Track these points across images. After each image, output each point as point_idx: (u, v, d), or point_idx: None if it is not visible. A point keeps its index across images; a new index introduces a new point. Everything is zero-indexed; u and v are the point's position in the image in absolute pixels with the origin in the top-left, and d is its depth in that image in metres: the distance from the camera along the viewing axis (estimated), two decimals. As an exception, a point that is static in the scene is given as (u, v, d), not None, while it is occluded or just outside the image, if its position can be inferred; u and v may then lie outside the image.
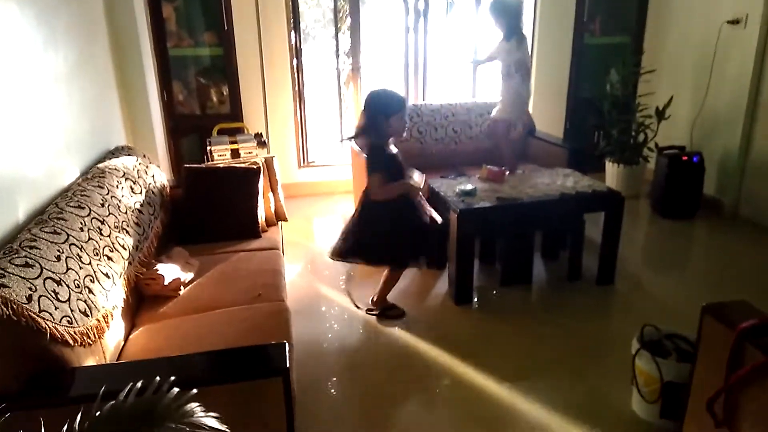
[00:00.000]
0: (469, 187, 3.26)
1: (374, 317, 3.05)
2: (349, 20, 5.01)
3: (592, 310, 3.10)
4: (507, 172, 3.61)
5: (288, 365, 1.57)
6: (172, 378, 1.30)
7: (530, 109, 4.98)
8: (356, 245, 2.92)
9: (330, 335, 2.90)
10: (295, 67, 4.80)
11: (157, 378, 1.31)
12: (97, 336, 1.80)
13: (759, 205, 4.22)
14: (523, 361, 2.66)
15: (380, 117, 2.83)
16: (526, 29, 5.21)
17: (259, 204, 3.03)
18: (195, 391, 1.30)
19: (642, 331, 2.23)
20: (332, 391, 2.47)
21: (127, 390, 1.28)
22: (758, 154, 4.20)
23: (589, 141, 5.29)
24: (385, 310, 3.06)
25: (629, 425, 2.22)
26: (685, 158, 4.36)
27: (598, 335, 2.87)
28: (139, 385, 1.29)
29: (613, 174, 4.87)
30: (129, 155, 2.96)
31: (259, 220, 3.03)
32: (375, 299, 3.09)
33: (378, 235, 2.89)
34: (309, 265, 3.77)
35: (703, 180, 4.40)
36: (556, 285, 3.42)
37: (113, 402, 1.24)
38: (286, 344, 1.65)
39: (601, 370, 2.56)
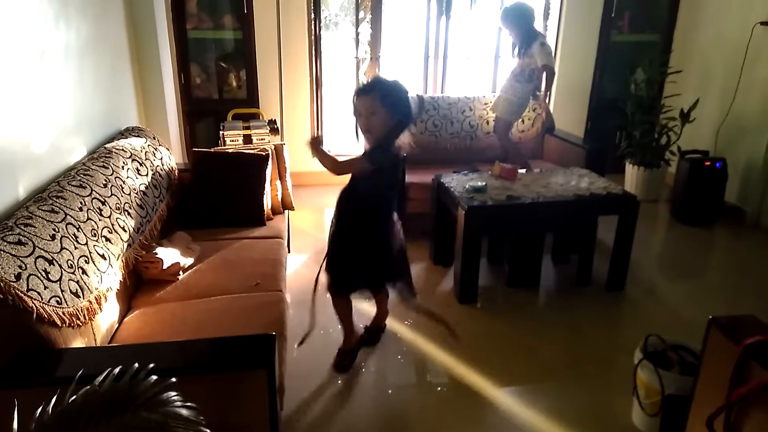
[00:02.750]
0: (479, 183, 3.19)
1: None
2: (370, 9, 4.95)
3: (600, 317, 3.02)
4: (522, 170, 3.54)
5: (273, 358, 1.54)
6: (151, 365, 1.29)
7: (551, 107, 4.91)
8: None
9: (330, 328, 2.87)
10: (313, 54, 4.77)
11: (136, 364, 1.29)
12: (87, 317, 1.79)
13: (783, 216, 4.07)
14: (524, 365, 2.60)
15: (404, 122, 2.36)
16: (552, 24, 5.12)
17: (265, 191, 3.01)
18: (174, 379, 1.29)
19: (646, 341, 2.16)
20: (326, 384, 2.45)
21: (103, 375, 1.27)
22: (785, 163, 4.05)
23: (610, 142, 5.16)
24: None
25: (628, 437, 2.16)
26: (707, 163, 4.23)
27: (604, 343, 2.80)
28: (117, 371, 1.28)
29: (632, 176, 4.75)
30: (138, 136, 2.96)
31: (265, 208, 3.01)
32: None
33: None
34: (315, 256, 3.74)
35: (725, 187, 4.26)
36: (564, 288, 3.35)
37: (87, 387, 1.23)
38: (274, 336, 1.62)
39: (604, 379, 2.50)
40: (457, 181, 3.33)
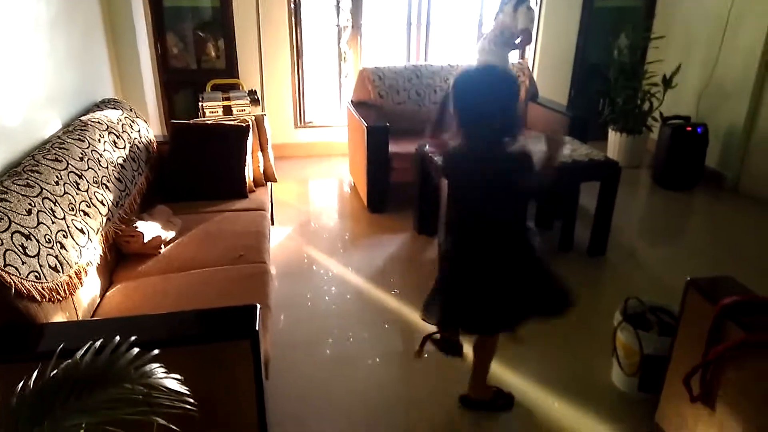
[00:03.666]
0: (462, 152, 3.18)
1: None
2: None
3: (581, 281, 3.06)
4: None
5: (257, 328, 1.55)
6: (133, 338, 1.28)
7: (534, 75, 4.88)
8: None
9: (318, 299, 2.88)
10: (293, 22, 4.67)
11: (117, 338, 1.29)
12: (68, 292, 1.77)
13: (760, 181, 4.13)
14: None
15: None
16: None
17: (247, 163, 2.97)
18: (156, 351, 1.28)
19: (625, 304, 2.19)
20: (313, 353, 2.47)
21: (84, 349, 1.26)
22: (764, 129, 4.09)
23: (593, 108, 5.16)
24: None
25: (607, 397, 2.21)
26: (689, 129, 4.26)
27: (585, 306, 2.83)
28: (98, 344, 1.28)
29: (615, 143, 4.77)
30: (115, 108, 2.89)
31: (247, 180, 2.98)
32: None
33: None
34: (300, 228, 3.73)
35: (705, 152, 4.30)
36: (547, 254, 3.37)
37: (68, 361, 1.22)
38: (257, 306, 1.62)
39: (584, 341, 2.54)
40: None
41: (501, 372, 2.34)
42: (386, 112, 4.18)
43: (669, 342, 1.90)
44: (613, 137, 4.79)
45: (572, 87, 5.33)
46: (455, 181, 1.92)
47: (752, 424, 1.54)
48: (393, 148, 3.75)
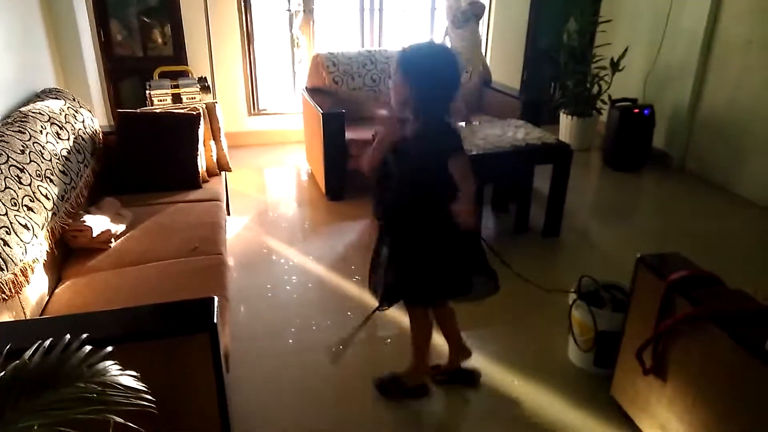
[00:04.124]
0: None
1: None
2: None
3: (537, 262, 3.13)
4: (461, 123, 3.56)
5: (215, 320, 1.51)
6: (84, 335, 1.24)
7: (487, 59, 4.92)
8: None
9: (278, 289, 2.85)
10: (242, 7, 4.55)
11: (67, 336, 1.24)
12: (13, 291, 1.69)
13: (704, 160, 4.30)
14: (466, 312, 2.66)
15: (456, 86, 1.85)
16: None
17: (199, 153, 2.90)
18: (109, 348, 1.24)
19: (579, 282, 2.25)
20: (275, 344, 2.44)
21: (33, 349, 1.21)
22: (706, 109, 4.25)
23: (545, 93, 5.26)
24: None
25: (565, 373, 2.27)
26: (636, 111, 4.39)
27: (541, 286, 2.90)
28: (47, 343, 1.23)
29: (566, 126, 4.88)
30: (56, 98, 2.76)
31: (200, 170, 2.91)
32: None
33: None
34: (257, 218, 3.67)
35: (652, 133, 4.44)
36: (503, 237, 3.44)
37: (17, 362, 1.17)
38: (215, 299, 1.58)
39: (541, 320, 2.61)
40: (396, 136, 3.31)
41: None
42: (341, 98, 4.14)
43: (622, 318, 1.97)
44: (565, 120, 4.89)
45: (524, 71, 5.40)
46: (408, 161, 1.87)
47: (701, 394, 1.61)
48: (350, 134, 3.72)
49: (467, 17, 3.98)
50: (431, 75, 1.78)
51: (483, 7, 4.10)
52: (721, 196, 4.04)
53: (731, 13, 3.98)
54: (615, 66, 4.60)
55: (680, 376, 1.69)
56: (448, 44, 4.12)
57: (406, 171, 1.88)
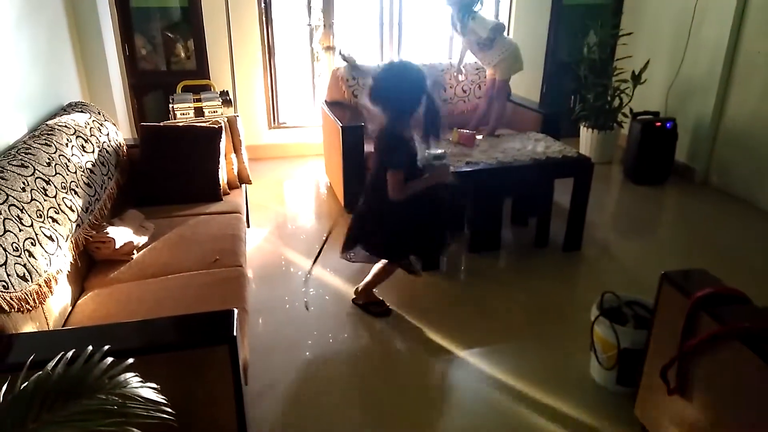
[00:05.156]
0: (438, 151, 3.18)
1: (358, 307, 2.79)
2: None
3: (558, 277, 3.10)
4: (479, 136, 3.56)
5: (235, 333, 1.52)
6: (106, 347, 1.25)
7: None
8: (361, 233, 2.60)
9: (296, 301, 2.85)
10: (264, 21, 4.62)
11: (90, 347, 1.25)
12: (37, 301, 1.72)
13: (728, 173, 4.23)
14: (487, 327, 2.65)
15: (413, 100, 2.33)
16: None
17: (220, 165, 2.93)
18: (131, 360, 1.25)
19: (602, 298, 2.22)
20: (293, 356, 2.44)
21: (56, 360, 1.22)
22: (730, 123, 4.19)
23: (565, 105, 5.23)
24: (369, 305, 2.76)
25: (586, 391, 2.23)
26: (658, 124, 4.34)
27: (562, 301, 2.87)
28: (69, 354, 1.24)
29: (587, 139, 4.84)
30: (82, 112, 2.82)
31: (221, 183, 2.94)
32: (360, 288, 2.79)
33: (394, 227, 2.52)
34: (277, 230, 3.69)
35: (675, 146, 4.39)
36: (523, 251, 3.41)
37: (39, 373, 1.18)
38: (234, 311, 1.59)
39: (562, 336, 2.57)
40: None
41: (478, 368, 2.35)
42: (361, 112, 4.16)
43: (645, 335, 1.93)
44: (585, 134, 4.85)
45: (544, 84, 5.39)
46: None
47: (727, 414, 1.57)
48: (369, 147, 3.73)
49: (493, 37, 3.98)
50: (383, 94, 2.33)
51: (504, 25, 4.12)
52: (745, 210, 3.96)
53: (755, 25, 3.93)
54: (636, 79, 4.56)
55: (706, 396, 1.65)
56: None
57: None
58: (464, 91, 4.43)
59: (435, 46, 5.38)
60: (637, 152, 4.38)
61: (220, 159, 2.93)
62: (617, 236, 3.75)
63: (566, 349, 2.47)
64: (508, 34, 4.36)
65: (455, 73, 4.38)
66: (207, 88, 4.30)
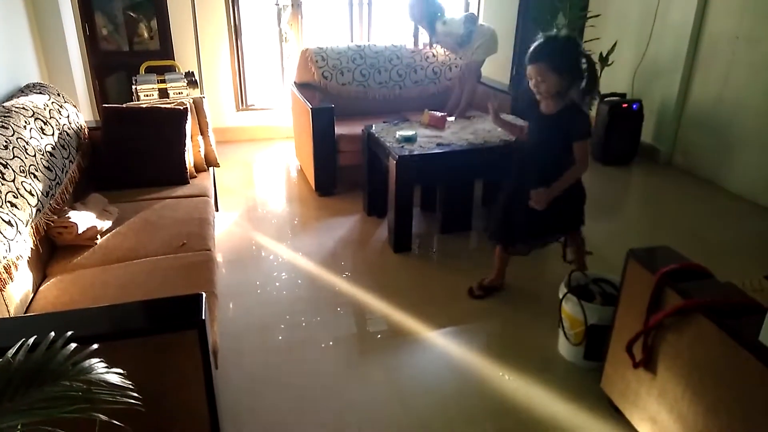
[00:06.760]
0: (409, 132, 3.18)
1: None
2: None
3: (527, 257, 3.13)
4: (449, 118, 3.56)
5: (204, 317, 1.49)
6: (69, 333, 1.21)
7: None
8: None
9: (268, 286, 2.83)
10: (230, 1, 4.51)
11: (52, 333, 1.22)
12: (-4, 288, 1.66)
13: (692, 154, 4.33)
14: (458, 306, 2.67)
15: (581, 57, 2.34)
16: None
17: (186, 148, 2.87)
18: (95, 346, 1.22)
19: (569, 276, 2.25)
20: (263, 341, 2.42)
21: (16, 347, 1.19)
22: (694, 104, 4.28)
23: (534, 87, 5.25)
24: (491, 290, 2.79)
25: (555, 367, 2.27)
26: (625, 106, 4.40)
27: (532, 280, 2.91)
28: (31, 341, 1.20)
29: (556, 121, 4.87)
30: (41, 93, 2.72)
31: (187, 166, 2.87)
32: (487, 282, 2.78)
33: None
34: (246, 214, 3.64)
35: (641, 128, 4.46)
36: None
37: (0, 360, 1.15)
38: (203, 295, 1.56)
39: (531, 314, 2.61)
40: (387, 131, 3.30)
41: (450, 347, 2.37)
42: (331, 93, 4.12)
43: (612, 311, 1.97)
44: (554, 115, 4.88)
45: (513, 67, 5.40)
46: None
47: (691, 386, 1.62)
48: (339, 130, 3.71)
49: (470, 30, 3.96)
50: (569, 64, 2.38)
51: (474, 15, 4.14)
52: (708, 190, 4.07)
53: (719, 8, 4.00)
54: (604, 61, 4.61)
55: (670, 368, 1.69)
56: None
57: None
58: (434, 73, 4.42)
59: (405, 29, 5.33)
60: (604, 133, 4.44)
61: (186, 141, 2.87)
62: (585, 216, 3.79)
63: (534, 327, 2.51)
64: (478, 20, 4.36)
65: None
66: (171, 68, 4.19)
